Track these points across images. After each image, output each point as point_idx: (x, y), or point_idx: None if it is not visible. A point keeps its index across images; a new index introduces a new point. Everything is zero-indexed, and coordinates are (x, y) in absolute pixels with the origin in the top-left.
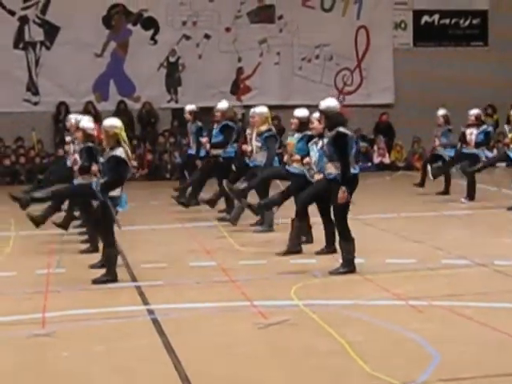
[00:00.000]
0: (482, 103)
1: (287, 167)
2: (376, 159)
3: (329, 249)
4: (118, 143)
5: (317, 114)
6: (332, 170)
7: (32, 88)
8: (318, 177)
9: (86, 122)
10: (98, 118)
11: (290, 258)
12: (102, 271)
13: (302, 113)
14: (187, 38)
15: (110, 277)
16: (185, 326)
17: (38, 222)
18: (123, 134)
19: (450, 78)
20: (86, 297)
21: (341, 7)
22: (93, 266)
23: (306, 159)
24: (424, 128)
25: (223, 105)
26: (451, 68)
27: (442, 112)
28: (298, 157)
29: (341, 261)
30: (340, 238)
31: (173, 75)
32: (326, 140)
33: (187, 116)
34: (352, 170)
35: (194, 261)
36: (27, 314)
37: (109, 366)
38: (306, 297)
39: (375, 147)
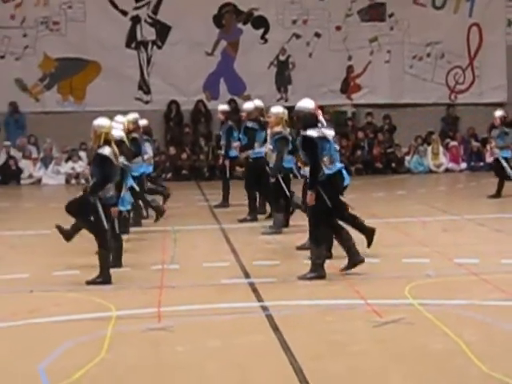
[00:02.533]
0: None
1: (302, 171)
2: (488, 158)
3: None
4: (106, 143)
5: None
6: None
7: (143, 87)
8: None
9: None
10: (207, 118)
11: (402, 257)
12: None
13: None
14: (297, 36)
15: (103, 278)
16: (299, 322)
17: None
18: (110, 135)
19: None
20: (200, 292)
21: (452, 4)
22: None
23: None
24: None
25: (248, 105)
26: None
27: (499, 113)
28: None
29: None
30: (310, 240)
31: (283, 74)
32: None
33: (220, 116)
34: (326, 171)
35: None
36: (143, 309)
37: (224, 362)
38: (421, 296)
39: (488, 146)
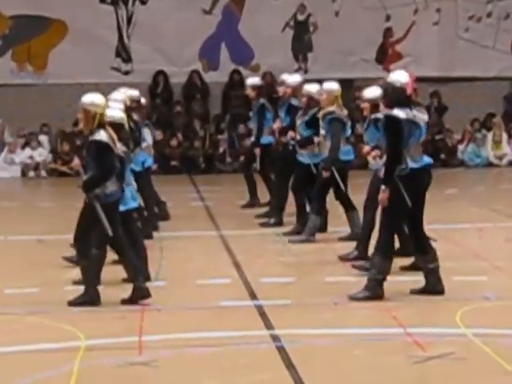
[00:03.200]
0: None
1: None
2: None
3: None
4: (100, 126)
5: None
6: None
7: (122, 53)
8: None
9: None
10: (204, 94)
11: (453, 274)
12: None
13: (372, 94)
14: None
15: (88, 298)
16: (319, 357)
17: None
18: (104, 116)
19: None
20: (192, 317)
21: None
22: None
23: (366, 148)
24: None
25: (294, 78)
26: None
27: None
28: (367, 148)
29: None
30: (377, 250)
31: (301, 38)
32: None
33: (249, 92)
34: (411, 164)
35: (330, 275)
36: (120, 337)
37: None
38: (476, 324)
39: None
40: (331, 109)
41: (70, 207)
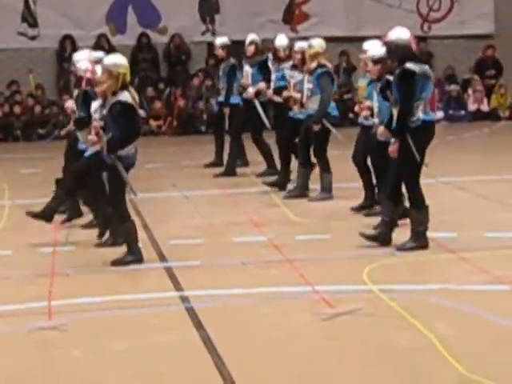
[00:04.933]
0: None
1: (360, 120)
2: (471, 106)
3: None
4: (124, 87)
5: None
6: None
7: (28, 18)
8: (380, 131)
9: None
10: None
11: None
12: (113, 250)
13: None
14: None
15: (134, 256)
16: (228, 317)
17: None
18: (128, 77)
19: None
20: (101, 281)
21: None
22: (99, 245)
23: (365, 104)
24: None
25: (283, 41)
26: None
27: None
28: (368, 103)
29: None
30: (410, 205)
31: (208, 0)
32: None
33: (219, 52)
34: (423, 116)
35: (238, 236)
36: (29, 303)
37: (133, 369)
38: (383, 280)
39: (470, 91)
40: (318, 63)
41: None
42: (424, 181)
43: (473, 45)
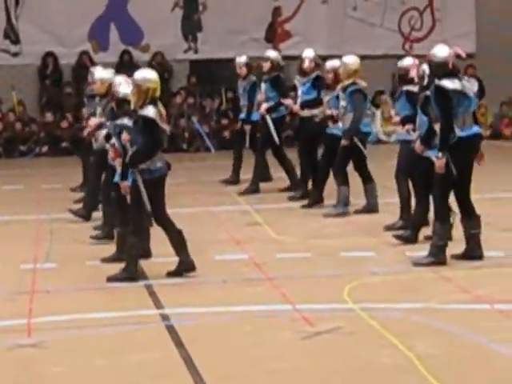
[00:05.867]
0: None
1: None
2: None
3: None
4: (152, 102)
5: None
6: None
7: (10, 34)
8: (417, 145)
9: (107, 73)
10: None
11: (340, 251)
12: (95, 269)
13: (404, 63)
14: None
15: (128, 274)
16: (209, 335)
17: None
18: (157, 92)
19: None
20: (82, 299)
21: None
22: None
23: (395, 118)
24: None
25: (309, 53)
26: None
27: None
28: (397, 119)
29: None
30: (435, 217)
31: (191, 17)
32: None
33: (241, 71)
34: (459, 132)
35: (219, 253)
36: (9, 320)
37: None
38: (364, 299)
39: None
40: (352, 80)
41: None
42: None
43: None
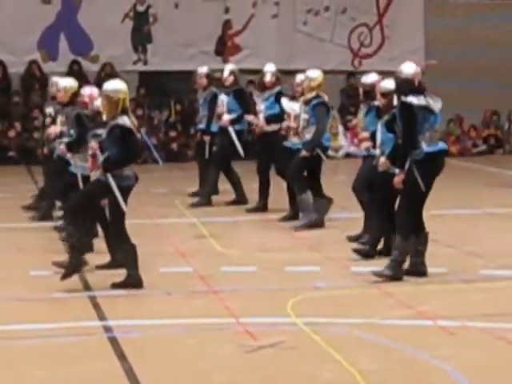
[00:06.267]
0: None
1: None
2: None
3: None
4: (123, 112)
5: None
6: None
7: None
8: (381, 162)
9: (72, 82)
10: (43, 84)
11: (285, 265)
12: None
13: (368, 79)
14: None
15: (132, 280)
16: (151, 347)
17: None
18: (127, 102)
19: (498, 39)
20: (24, 309)
21: None
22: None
23: (362, 135)
24: (463, 102)
25: (271, 68)
26: (500, 26)
27: None
28: (365, 134)
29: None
30: (398, 232)
31: (141, 29)
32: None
33: (202, 81)
34: (426, 148)
35: (164, 266)
36: None
37: None
38: (307, 313)
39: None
40: (315, 94)
41: None
42: (349, 215)
43: None
